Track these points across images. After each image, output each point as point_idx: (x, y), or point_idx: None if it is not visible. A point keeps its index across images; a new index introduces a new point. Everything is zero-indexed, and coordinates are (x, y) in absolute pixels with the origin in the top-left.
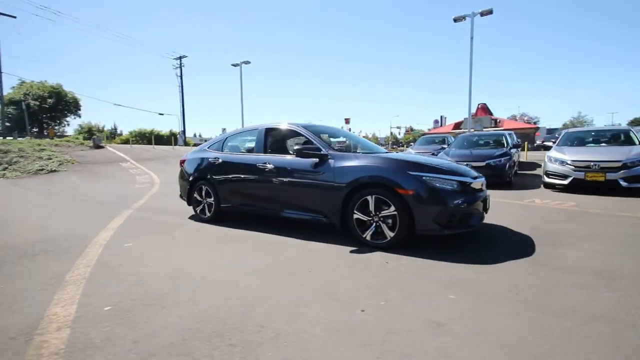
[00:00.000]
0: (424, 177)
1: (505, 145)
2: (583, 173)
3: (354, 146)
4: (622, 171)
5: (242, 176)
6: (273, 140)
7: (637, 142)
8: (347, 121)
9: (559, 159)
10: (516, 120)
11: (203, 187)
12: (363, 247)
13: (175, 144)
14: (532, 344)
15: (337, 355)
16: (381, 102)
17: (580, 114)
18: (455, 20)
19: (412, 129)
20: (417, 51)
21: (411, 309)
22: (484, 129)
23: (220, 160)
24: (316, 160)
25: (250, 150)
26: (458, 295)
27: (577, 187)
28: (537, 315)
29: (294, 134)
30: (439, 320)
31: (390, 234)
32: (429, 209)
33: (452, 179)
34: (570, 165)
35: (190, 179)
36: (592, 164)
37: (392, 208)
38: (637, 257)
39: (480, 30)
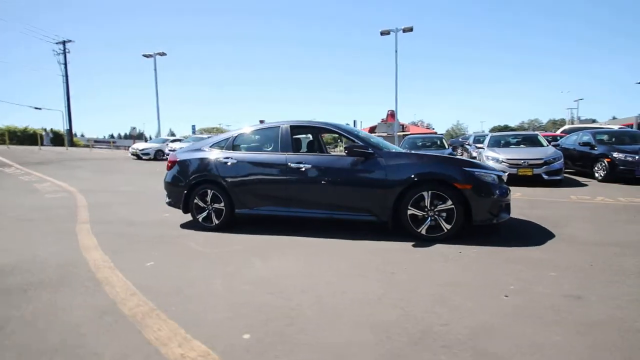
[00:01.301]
0: (476, 173)
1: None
2: (516, 169)
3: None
4: (544, 167)
5: (270, 177)
6: (301, 138)
7: (544, 144)
8: (261, 122)
9: (494, 158)
10: (417, 126)
11: (208, 191)
12: (418, 241)
13: (42, 144)
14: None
15: (556, 338)
16: (297, 105)
17: (459, 122)
18: (382, 33)
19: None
20: (331, 56)
21: (541, 288)
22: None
23: (234, 161)
24: (361, 158)
25: (271, 149)
26: (558, 272)
27: (510, 181)
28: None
29: (325, 131)
30: (576, 294)
31: (447, 227)
32: (484, 201)
33: (494, 173)
34: (505, 162)
35: (189, 182)
36: (522, 161)
37: (449, 202)
38: (621, 231)
39: (379, 47)
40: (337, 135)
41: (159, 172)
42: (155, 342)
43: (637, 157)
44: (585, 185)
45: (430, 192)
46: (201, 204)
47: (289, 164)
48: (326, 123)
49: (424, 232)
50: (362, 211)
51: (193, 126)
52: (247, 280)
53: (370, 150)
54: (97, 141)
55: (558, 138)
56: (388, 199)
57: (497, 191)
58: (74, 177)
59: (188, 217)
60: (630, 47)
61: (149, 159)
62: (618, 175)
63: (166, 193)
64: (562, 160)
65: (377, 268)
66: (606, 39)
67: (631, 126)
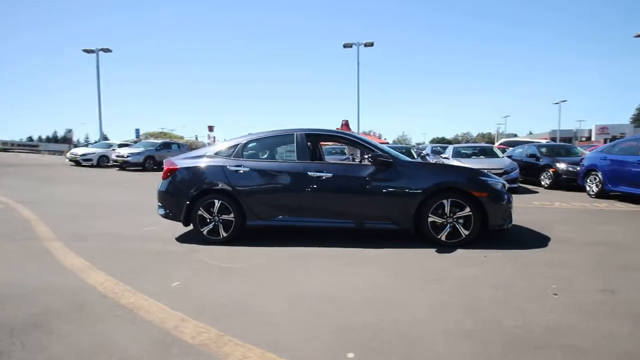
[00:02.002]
0: (489, 181)
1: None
2: None
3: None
4: (504, 175)
5: (287, 187)
6: (317, 146)
7: (500, 155)
8: (210, 129)
9: None
10: (370, 135)
11: (215, 201)
12: (437, 247)
13: None
14: None
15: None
16: (247, 114)
17: (404, 133)
18: (344, 46)
19: None
20: (286, 67)
21: (576, 286)
22: None
23: (247, 169)
24: (383, 167)
25: (286, 157)
26: (577, 270)
27: None
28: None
29: (343, 140)
30: (609, 289)
31: (465, 233)
32: (498, 207)
33: (501, 181)
34: None
35: (193, 192)
36: (486, 170)
37: (467, 209)
38: (597, 232)
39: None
40: (345, 144)
41: (109, 180)
42: None
43: (577, 168)
44: (536, 192)
45: (449, 200)
46: (206, 215)
47: (309, 172)
48: (343, 132)
49: (443, 238)
50: (384, 219)
51: (137, 130)
52: (300, 295)
53: (392, 160)
54: (20, 145)
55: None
56: (410, 207)
57: (506, 198)
58: (3, 186)
59: (178, 230)
60: (548, 69)
61: (91, 166)
62: (561, 183)
63: (160, 204)
64: (518, 169)
65: (419, 276)
66: (529, 62)
67: (546, 140)
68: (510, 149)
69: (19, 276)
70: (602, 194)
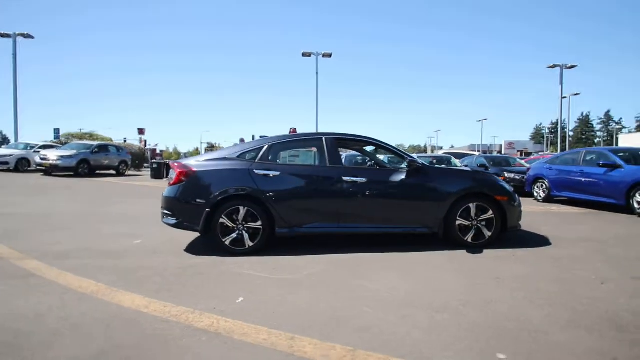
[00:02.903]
0: (507, 187)
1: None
2: None
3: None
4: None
5: (321, 192)
6: (338, 151)
7: (458, 165)
8: (141, 131)
9: None
10: None
11: (241, 208)
12: (463, 248)
13: None
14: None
15: None
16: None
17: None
18: (303, 55)
19: (212, 146)
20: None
21: (609, 274)
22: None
23: (277, 173)
24: (415, 173)
25: (315, 162)
26: (594, 264)
27: None
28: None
29: (371, 145)
30: (637, 276)
31: (488, 234)
32: (515, 210)
33: (511, 187)
34: None
35: (215, 198)
36: (513, 175)
37: (490, 212)
38: (581, 230)
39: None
40: (373, 149)
41: (41, 187)
42: None
43: (524, 177)
44: None
45: (475, 203)
46: (230, 224)
47: (343, 177)
48: (370, 137)
49: (469, 240)
50: (416, 224)
51: (56, 130)
52: (387, 302)
53: (425, 166)
54: None
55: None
56: (441, 211)
57: (519, 201)
58: None
59: (171, 242)
60: (471, 90)
61: (7, 170)
62: None
63: (167, 212)
64: None
65: (484, 276)
66: (458, 81)
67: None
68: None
69: (27, 307)
70: (548, 199)
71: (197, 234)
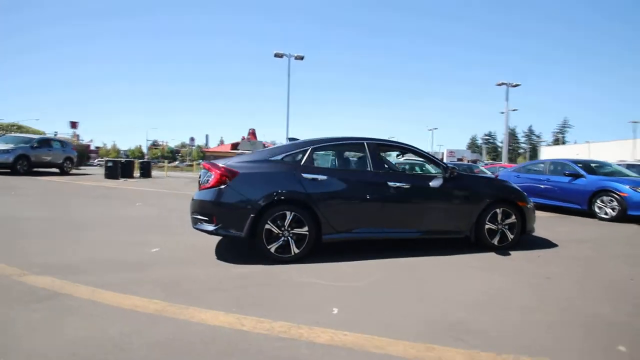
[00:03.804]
0: (525, 194)
1: None
2: None
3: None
4: None
5: (368, 198)
6: (383, 156)
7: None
8: (73, 125)
9: None
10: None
11: (287, 213)
12: (488, 250)
13: None
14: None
15: None
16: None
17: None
18: (276, 55)
19: (157, 144)
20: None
21: (630, 271)
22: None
23: (325, 177)
24: (451, 180)
25: (358, 167)
26: (606, 261)
27: None
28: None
29: (409, 152)
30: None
31: (510, 237)
32: (532, 215)
33: None
34: None
35: (262, 202)
36: None
37: (513, 217)
38: (562, 232)
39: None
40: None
41: None
42: None
43: None
44: None
45: (501, 209)
46: (275, 230)
47: (388, 182)
48: (408, 144)
49: (496, 242)
50: (452, 228)
51: None
52: (471, 304)
53: (462, 173)
54: None
55: None
56: (474, 216)
57: (533, 207)
58: None
59: (189, 249)
60: (422, 99)
61: None
62: None
63: (203, 217)
64: None
65: (530, 275)
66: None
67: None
68: None
69: (94, 335)
70: None
71: (210, 241)
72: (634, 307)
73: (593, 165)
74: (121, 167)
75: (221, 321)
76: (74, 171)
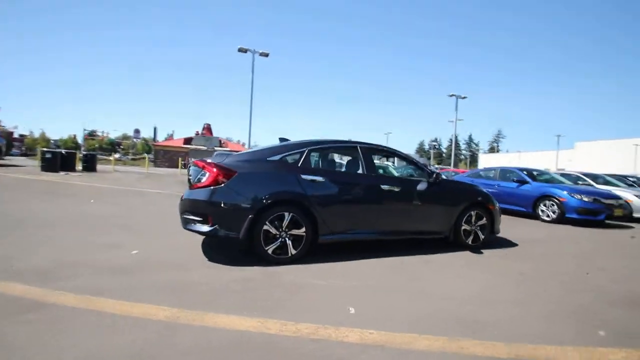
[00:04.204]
0: (493, 197)
1: None
2: None
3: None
4: None
5: (361, 200)
6: (373, 160)
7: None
8: None
9: None
10: (237, 143)
11: (286, 214)
12: (463, 249)
13: None
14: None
15: None
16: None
17: (256, 143)
18: (239, 50)
19: (94, 134)
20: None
21: (588, 265)
22: (215, 149)
23: (322, 179)
24: (436, 184)
25: (351, 169)
26: (570, 257)
27: None
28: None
29: (396, 156)
30: (601, 266)
31: (482, 237)
32: (499, 217)
33: None
34: None
35: (261, 203)
36: None
37: (484, 219)
38: (521, 232)
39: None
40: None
41: None
42: None
43: None
44: None
45: (475, 212)
46: (273, 231)
47: (381, 186)
48: (395, 149)
49: (470, 242)
50: (436, 229)
51: None
52: (473, 299)
53: (444, 179)
54: None
55: None
56: (452, 218)
57: (499, 209)
58: None
59: (169, 252)
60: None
61: None
62: None
63: (198, 218)
64: None
65: (506, 271)
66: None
67: None
68: None
69: (110, 348)
70: None
71: (190, 242)
72: (603, 296)
73: (535, 173)
74: (61, 158)
75: (245, 326)
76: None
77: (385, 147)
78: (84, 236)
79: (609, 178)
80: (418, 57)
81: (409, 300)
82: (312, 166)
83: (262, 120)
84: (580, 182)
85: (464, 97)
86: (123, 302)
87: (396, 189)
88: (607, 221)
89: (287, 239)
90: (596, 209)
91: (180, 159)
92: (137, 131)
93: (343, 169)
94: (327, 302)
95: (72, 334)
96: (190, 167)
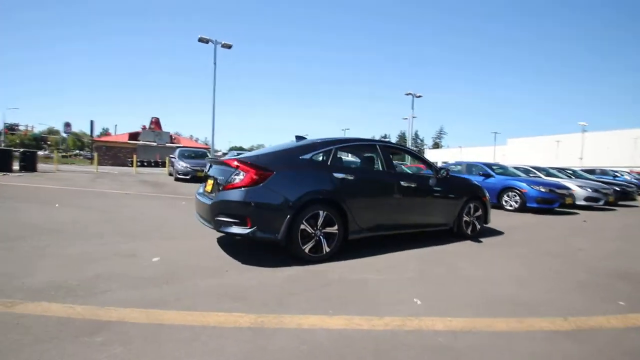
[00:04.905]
0: (485, 190)
1: None
2: (197, 172)
3: None
4: None
5: (385, 196)
6: (391, 158)
7: (208, 156)
8: None
9: (182, 164)
10: (189, 139)
11: (320, 212)
12: (464, 239)
13: None
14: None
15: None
16: None
17: (192, 136)
18: (200, 40)
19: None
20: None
21: (565, 247)
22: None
23: (351, 177)
24: (443, 179)
25: (369, 167)
26: (547, 242)
27: (195, 179)
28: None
29: (407, 154)
30: (579, 247)
31: (478, 227)
32: (490, 208)
33: None
34: (189, 168)
35: (299, 202)
36: (199, 167)
37: (480, 210)
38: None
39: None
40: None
41: None
42: None
43: None
44: None
45: (473, 204)
46: (310, 230)
47: (401, 182)
48: (407, 147)
49: (469, 232)
50: (442, 221)
51: None
52: (493, 282)
53: (450, 175)
54: None
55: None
56: (457, 210)
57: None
58: None
59: (202, 252)
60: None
61: None
62: None
63: (234, 219)
64: None
65: (512, 257)
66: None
67: None
68: None
69: None
70: None
71: (204, 244)
72: (600, 271)
73: (495, 167)
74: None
75: (335, 324)
76: None
77: (399, 145)
78: (80, 245)
79: (551, 170)
80: (369, 56)
81: (457, 287)
82: (341, 164)
83: (221, 117)
84: (530, 175)
85: (419, 96)
86: (187, 312)
87: (413, 185)
88: (557, 209)
89: (321, 237)
90: (551, 199)
91: (134, 156)
92: (67, 125)
93: (367, 167)
94: (389, 295)
95: (170, 352)
96: (210, 166)
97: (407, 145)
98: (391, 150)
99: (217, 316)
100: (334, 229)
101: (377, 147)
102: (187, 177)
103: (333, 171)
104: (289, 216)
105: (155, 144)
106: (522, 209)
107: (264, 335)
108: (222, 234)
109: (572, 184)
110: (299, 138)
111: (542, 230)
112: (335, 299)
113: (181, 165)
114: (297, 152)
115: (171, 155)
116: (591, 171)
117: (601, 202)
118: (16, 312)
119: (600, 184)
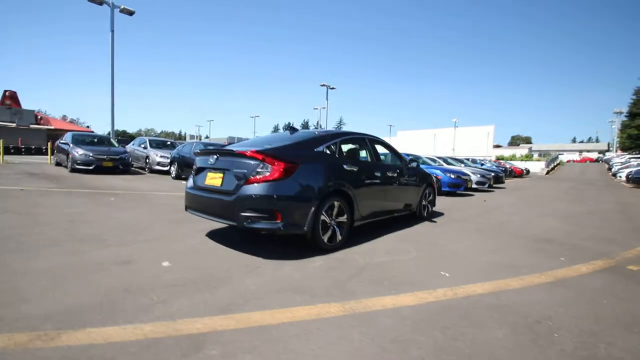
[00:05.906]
0: (433, 177)
1: None
2: (102, 161)
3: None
4: (119, 160)
5: (379, 185)
6: (377, 150)
7: (116, 145)
8: None
9: (81, 151)
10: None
11: (335, 203)
12: (423, 220)
13: None
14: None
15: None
16: None
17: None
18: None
19: None
20: None
21: (505, 217)
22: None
23: (356, 168)
24: (411, 169)
25: (365, 159)
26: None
27: (100, 169)
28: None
29: (380, 145)
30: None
31: (430, 209)
32: (436, 192)
33: None
34: (92, 157)
35: (322, 194)
36: (104, 156)
37: (431, 196)
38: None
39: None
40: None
41: None
42: None
43: None
44: None
45: (429, 190)
46: (328, 220)
47: (388, 173)
48: (381, 139)
49: (425, 214)
50: (411, 207)
51: None
52: (485, 252)
53: (416, 165)
54: None
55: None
56: (419, 195)
57: None
58: None
59: (210, 251)
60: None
61: None
62: None
63: (264, 214)
64: (127, 154)
65: (462, 230)
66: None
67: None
68: None
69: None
70: None
71: (204, 241)
72: (537, 237)
73: (411, 157)
74: None
75: (409, 301)
76: None
77: (379, 138)
78: (51, 257)
79: (450, 160)
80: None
81: (458, 260)
82: (346, 156)
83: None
84: (436, 164)
85: (333, 88)
86: (271, 311)
87: (395, 174)
88: (458, 191)
89: (335, 226)
90: (459, 183)
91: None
92: (291, 127)
93: (361, 159)
94: (419, 272)
95: (301, 349)
96: (216, 157)
97: None
98: (375, 142)
99: (305, 310)
100: (344, 218)
101: (366, 140)
102: (90, 167)
103: (343, 163)
104: (313, 208)
105: (14, 125)
106: (438, 192)
107: (366, 319)
108: (210, 230)
109: (467, 171)
110: (292, 130)
111: (466, 209)
112: (383, 281)
113: (79, 152)
114: (312, 144)
115: (61, 141)
116: (463, 160)
117: (486, 185)
118: (61, 345)
119: (484, 170)
